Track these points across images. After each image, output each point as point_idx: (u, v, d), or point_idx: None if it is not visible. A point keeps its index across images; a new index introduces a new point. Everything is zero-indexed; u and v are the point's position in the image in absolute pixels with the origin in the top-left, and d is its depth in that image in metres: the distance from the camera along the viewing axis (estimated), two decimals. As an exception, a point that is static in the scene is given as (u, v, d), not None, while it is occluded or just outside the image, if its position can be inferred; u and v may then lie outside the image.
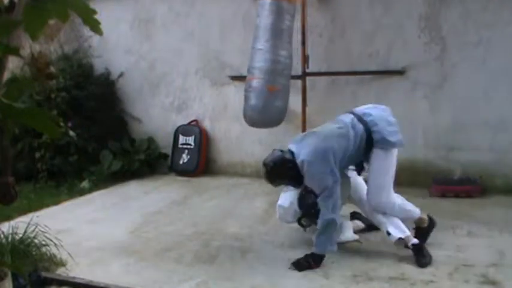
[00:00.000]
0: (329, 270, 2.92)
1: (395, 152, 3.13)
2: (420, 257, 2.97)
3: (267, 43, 4.28)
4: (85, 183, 5.18)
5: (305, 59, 4.73)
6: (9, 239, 2.96)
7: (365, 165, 3.25)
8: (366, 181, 3.24)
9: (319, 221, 2.98)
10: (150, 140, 5.84)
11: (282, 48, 4.31)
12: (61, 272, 2.97)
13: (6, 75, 1.49)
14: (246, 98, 4.43)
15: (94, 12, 1.48)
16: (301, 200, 3.22)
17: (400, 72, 4.79)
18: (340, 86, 5.04)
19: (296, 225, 3.72)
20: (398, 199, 3.17)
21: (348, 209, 3.50)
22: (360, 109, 3.28)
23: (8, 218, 3.77)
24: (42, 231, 3.10)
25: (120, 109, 6.03)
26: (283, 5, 4.26)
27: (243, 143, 5.45)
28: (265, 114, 4.37)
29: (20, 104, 1.38)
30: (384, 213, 3.10)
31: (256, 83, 4.31)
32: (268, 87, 4.27)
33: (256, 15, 4.39)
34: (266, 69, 4.29)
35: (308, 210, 3.19)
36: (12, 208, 3.80)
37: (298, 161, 3.01)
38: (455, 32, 4.60)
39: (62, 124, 1.46)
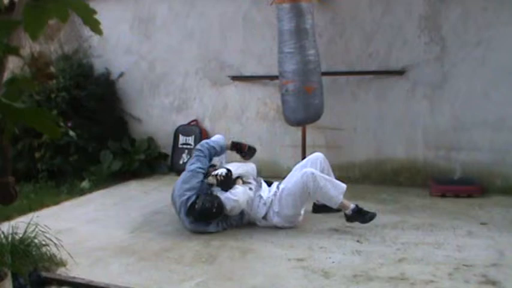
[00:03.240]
0: (329, 270, 2.92)
1: None
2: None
3: (295, 45, 4.33)
4: (85, 183, 5.18)
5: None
6: (9, 239, 2.95)
7: None
8: None
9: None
10: (150, 140, 5.84)
11: (309, 47, 4.37)
12: (61, 272, 2.96)
13: (6, 75, 1.49)
14: (285, 102, 4.51)
15: (94, 12, 1.47)
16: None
17: (400, 72, 4.79)
18: (340, 86, 5.04)
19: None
20: None
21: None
22: None
23: (8, 218, 3.77)
24: (42, 231, 3.10)
25: (120, 109, 6.03)
26: (303, 5, 4.30)
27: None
28: (306, 114, 4.47)
29: (20, 104, 1.38)
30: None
31: (292, 86, 4.39)
32: (306, 88, 4.36)
33: (277, 20, 4.42)
34: (299, 71, 4.35)
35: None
36: (12, 208, 3.81)
37: None
38: (455, 32, 4.60)
39: (62, 124, 1.46)
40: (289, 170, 5.18)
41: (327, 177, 3.66)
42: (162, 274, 2.95)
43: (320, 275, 2.86)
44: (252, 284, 2.79)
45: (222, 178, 3.63)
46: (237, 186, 3.65)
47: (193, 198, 3.59)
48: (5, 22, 1.37)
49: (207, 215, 3.54)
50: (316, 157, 3.94)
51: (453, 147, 4.71)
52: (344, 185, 3.66)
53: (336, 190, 3.60)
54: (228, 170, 3.67)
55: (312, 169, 3.66)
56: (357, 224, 3.63)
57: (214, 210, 3.51)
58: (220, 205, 3.53)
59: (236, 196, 3.57)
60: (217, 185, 3.64)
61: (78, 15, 1.46)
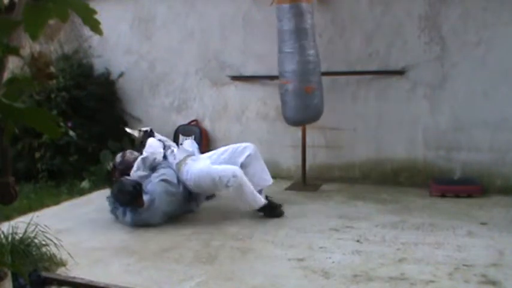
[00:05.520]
0: (329, 270, 2.92)
1: None
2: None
3: (295, 45, 4.36)
4: (85, 183, 5.18)
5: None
6: (9, 239, 2.95)
7: None
8: None
9: None
10: (150, 140, 5.84)
11: (309, 48, 4.40)
12: (61, 272, 2.96)
13: (6, 75, 1.49)
14: (284, 102, 4.53)
15: (94, 12, 1.48)
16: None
17: (400, 72, 4.79)
18: (340, 86, 5.04)
19: (296, 224, 3.73)
20: None
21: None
22: None
23: (8, 218, 3.77)
24: (42, 231, 3.09)
25: (120, 109, 6.02)
26: (303, 5, 4.32)
27: (243, 142, 5.44)
28: (306, 114, 4.50)
29: (20, 104, 1.38)
30: None
31: (292, 86, 4.41)
32: (305, 88, 4.38)
33: (277, 20, 4.45)
34: (299, 71, 4.38)
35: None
36: (12, 208, 3.81)
37: None
38: (455, 32, 4.60)
39: (62, 124, 1.46)
40: (288, 170, 5.24)
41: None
42: (162, 274, 2.95)
43: (320, 275, 2.86)
44: (252, 284, 2.79)
45: (144, 134, 4.39)
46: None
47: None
48: (5, 22, 1.37)
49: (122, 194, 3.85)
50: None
51: (453, 147, 4.71)
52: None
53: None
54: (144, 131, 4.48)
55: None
56: (357, 224, 3.63)
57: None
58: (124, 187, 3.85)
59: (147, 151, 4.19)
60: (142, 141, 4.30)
61: (78, 15, 1.46)
